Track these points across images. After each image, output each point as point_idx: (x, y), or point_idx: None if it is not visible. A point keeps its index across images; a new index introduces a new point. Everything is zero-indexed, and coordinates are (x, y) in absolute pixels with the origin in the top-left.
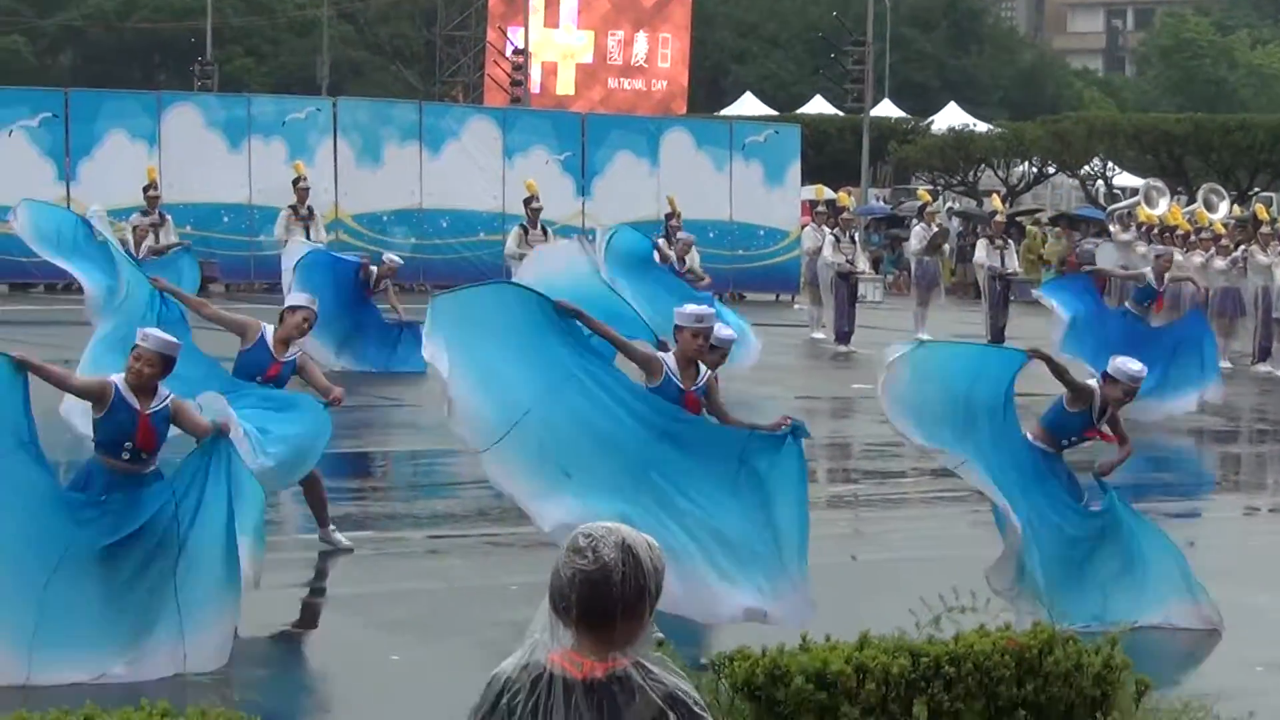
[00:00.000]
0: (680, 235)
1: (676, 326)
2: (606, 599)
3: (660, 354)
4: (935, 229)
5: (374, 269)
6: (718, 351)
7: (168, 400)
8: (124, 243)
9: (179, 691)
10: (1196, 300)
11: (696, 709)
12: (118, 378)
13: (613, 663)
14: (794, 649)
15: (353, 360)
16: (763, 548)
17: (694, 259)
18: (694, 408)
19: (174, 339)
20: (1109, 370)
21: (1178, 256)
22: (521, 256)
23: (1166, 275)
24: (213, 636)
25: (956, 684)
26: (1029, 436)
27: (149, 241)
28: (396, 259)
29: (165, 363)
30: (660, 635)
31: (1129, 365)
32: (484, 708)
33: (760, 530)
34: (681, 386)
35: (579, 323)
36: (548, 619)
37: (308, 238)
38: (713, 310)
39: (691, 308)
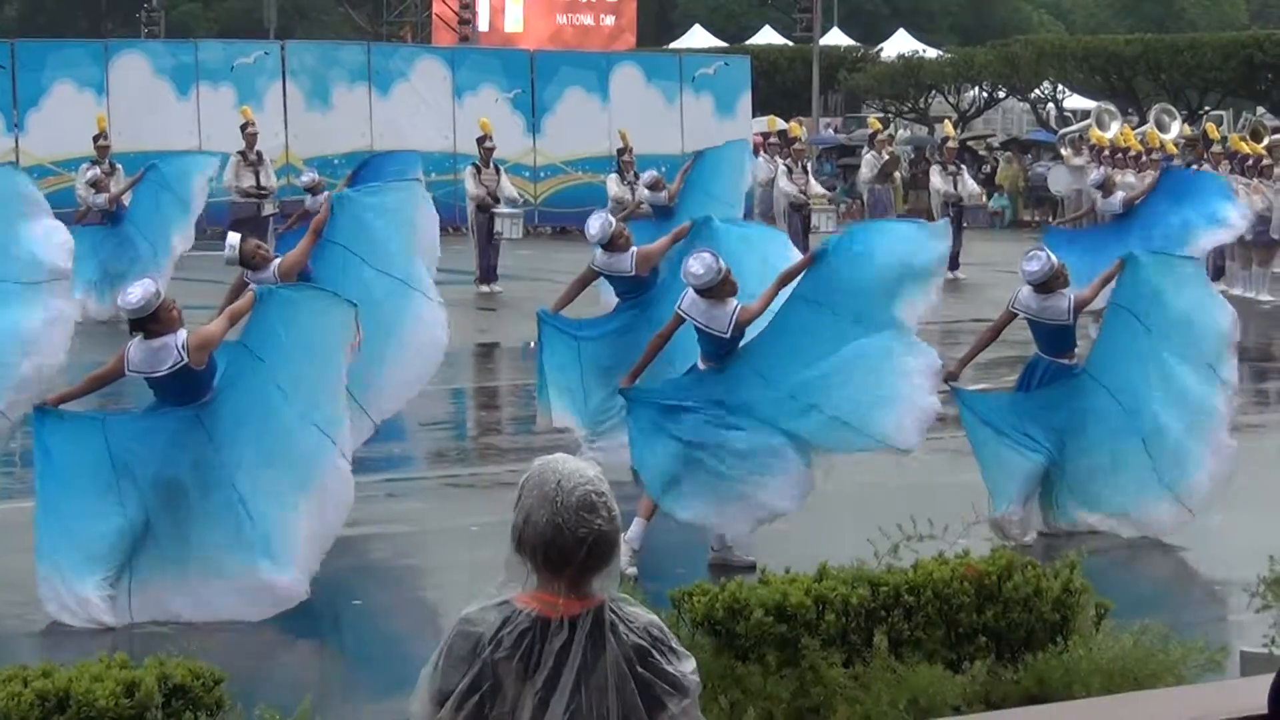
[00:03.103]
0: (646, 175)
1: (710, 286)
2: (613, 548)
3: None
4: (886, 157)
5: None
6: None
7: None
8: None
9: (135, 643)
10: None
11: (674, 643)
12: None
13: (588, 600)
14: (753, 582)
15: None
16: None
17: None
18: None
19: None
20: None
21: (1129, 178)
22: (477, 197)
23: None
24: None
25: (916, 613)
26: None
27: (102, 197)
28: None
29: None
30: (633, 571)
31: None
32: (460, 653)
33: None
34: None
35: None
36: (517, 564)
37: (258, 183)
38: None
39: (697, 265)
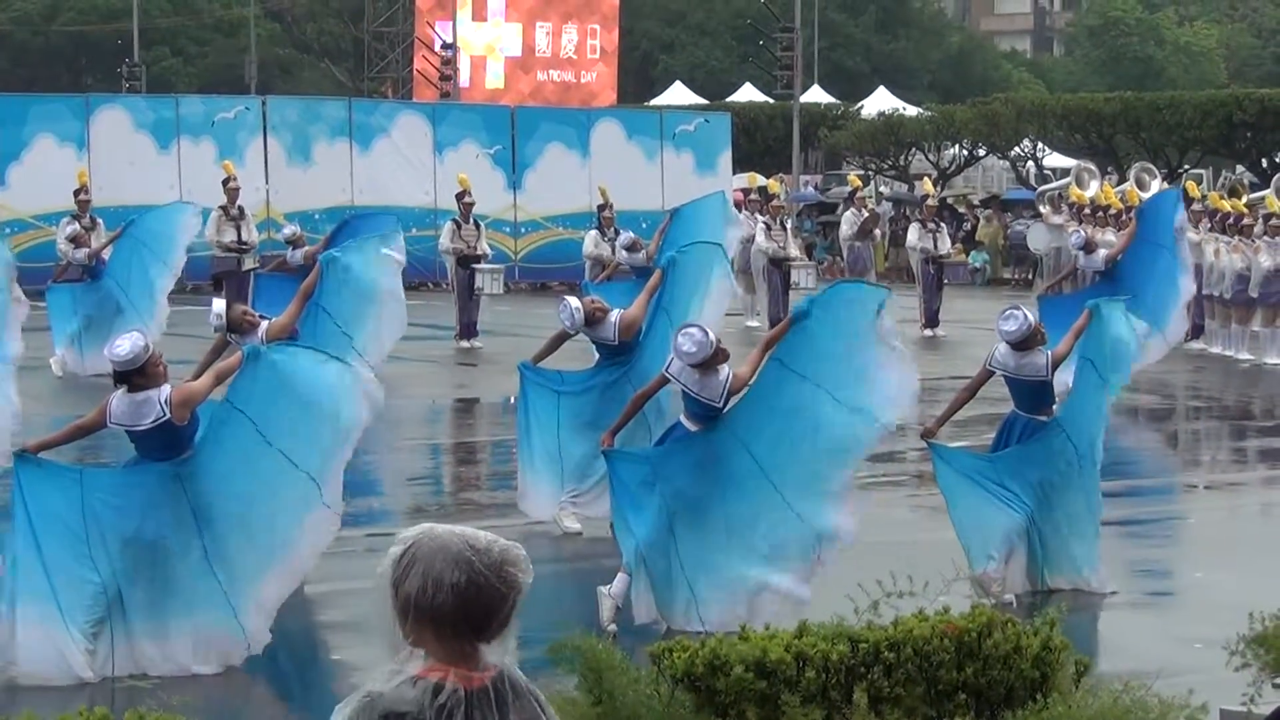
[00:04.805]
0: (623, 237)
1: (709, 360)
2: (511, 608)
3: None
4: (866, 214)
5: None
6: None
7: None
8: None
9: (115, 696)
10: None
11: (549, 707)
12: None
13: (494, 666)
14: (733, 638)
15: None
16: None
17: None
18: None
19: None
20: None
21: (1110, 236)
22: (455, 251)
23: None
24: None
25: (896, 669)
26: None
27: (82, 252)
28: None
29: None
30: (613, 628)
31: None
32: None
33: None
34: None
35: None
36: (405, 636)
37: (239, 238)
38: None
39: (688, 344)
